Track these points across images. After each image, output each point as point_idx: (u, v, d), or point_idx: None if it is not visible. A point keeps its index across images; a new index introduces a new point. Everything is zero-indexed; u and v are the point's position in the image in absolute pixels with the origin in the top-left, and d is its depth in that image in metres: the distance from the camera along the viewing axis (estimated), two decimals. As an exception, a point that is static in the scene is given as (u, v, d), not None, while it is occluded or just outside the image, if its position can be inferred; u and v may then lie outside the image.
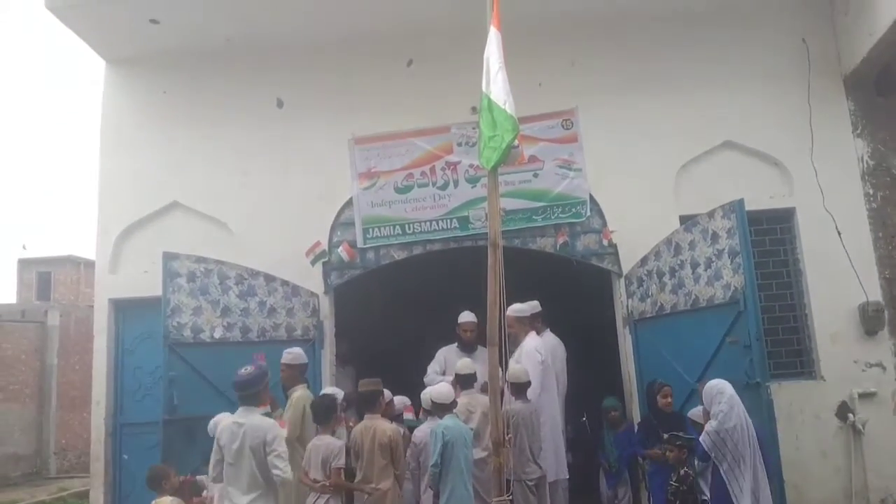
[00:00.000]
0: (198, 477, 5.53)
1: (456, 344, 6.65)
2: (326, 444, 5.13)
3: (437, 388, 5.40)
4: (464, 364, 5.84)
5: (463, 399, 5.57)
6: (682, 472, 5.16)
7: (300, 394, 5.68)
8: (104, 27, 7.11)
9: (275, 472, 4.31)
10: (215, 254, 6.72)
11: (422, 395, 5.81)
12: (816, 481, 6.39)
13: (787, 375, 6.65)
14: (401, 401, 6.00)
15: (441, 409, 5.27)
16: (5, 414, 15.68)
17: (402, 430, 5.63)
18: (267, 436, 4.33)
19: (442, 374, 6.39)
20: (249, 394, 4.51)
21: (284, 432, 4.63)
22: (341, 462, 5.09)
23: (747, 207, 5.76)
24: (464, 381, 5.71)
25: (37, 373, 16.61)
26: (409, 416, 6.03)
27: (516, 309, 6.14)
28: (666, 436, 5.27)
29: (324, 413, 5.25)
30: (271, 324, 6.69)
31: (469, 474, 5.11)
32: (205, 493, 5.48)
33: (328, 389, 6.06)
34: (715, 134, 7.06)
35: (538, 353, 5.92)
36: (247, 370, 4.61)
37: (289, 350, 6.00)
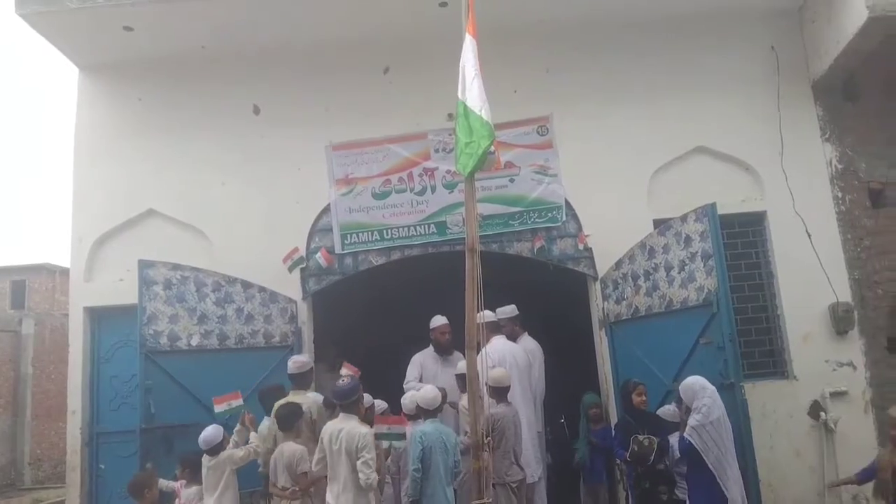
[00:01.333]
0: (166, 483, 5.50)
1: (431, 349, 6.68)
2: (290, 450, 5.18)
3: (425, 392, 5.40)
4: (464, 364, 5.85)
5: (466, 400, 5.59)
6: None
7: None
8: (76, 34, 7.04)
9: (360, 476, 4.65)
10: (192, 261, 6.70)
11: (403, 400, 5.82)
12: (790, 480, 6.48)
13: (761, 375, 6.75)
14: (379, 405, 6.01)
15: (425, 413, 5.29)
16: (-22, 425, 15.45)
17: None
18: (358, 442, 4.69)
19: (419, 380, 6.41)
20: (348, 402, 4.91)
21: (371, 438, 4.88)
22: (306, 467, 5.14)
23: (719, 211, 5.88)
24: (464, 382, 5.72)
25: (11, 382, 16.37)
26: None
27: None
28: (644, 439, 5.35)
29: (286, 420, 5.29)
30: (249, 331, 6.67)
31: (449, 479, 5.11)
32: (177, 501, 5.46)
33: (309, 394, 6.04)
34: (687, 139, 7.17)
35: (488, 357, 5.94)
36: (343, 382, 5.04)
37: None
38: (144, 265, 6.27)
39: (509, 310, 6.67)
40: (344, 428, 4.81)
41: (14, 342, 16.63)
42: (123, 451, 6.78)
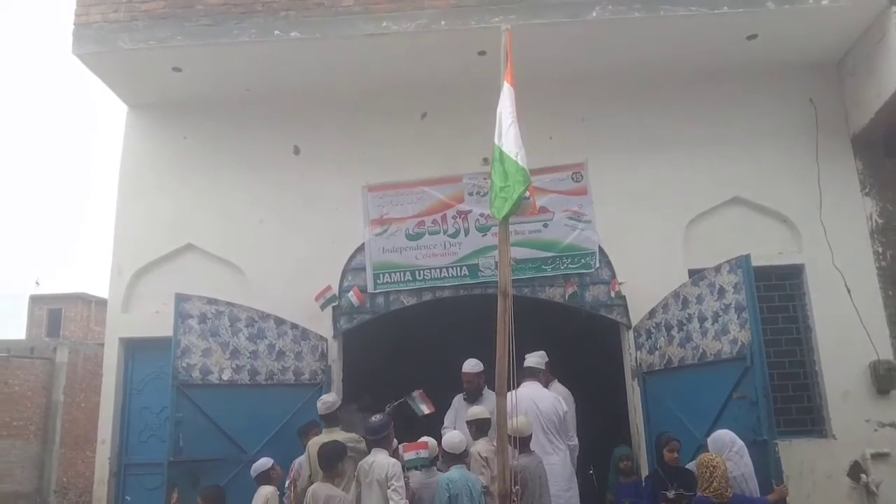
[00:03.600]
0: None
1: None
2: (327, 494, 5.09)
3: (449, 436, 5.34)
4: (478, 410, 5.77)
5: (482, 445, 5.49)
6: None
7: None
8: (128, 74, 7.30)
9: (390, 503, 4.86)
10: (227, 296, 6.78)
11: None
12: (828, 543, 6.26)
13: (798, 433, 6.57)
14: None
15: (450, 458, 5.22)
16: (8, 450, 15.60)
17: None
18: (388, 472, 4.96)
19: (453, 424, 6.35)
20: (379, 437, 5.23)
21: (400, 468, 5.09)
22: None
23: (756, 263, 5.81)
24: (479, 428, 5.66)
25: (42, 409, 16.56)
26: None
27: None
28: (671, 494, 5.23)
29: (328, 460, 5.23)
30: (279, 367, 6.70)
31: (473, 528, 5.03)
32: None
33: (342, 432, 6.01)
34: (724, 190, 7.14)
35: (508, 404, 5.90)
36: (376, 418, 5.35)
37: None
38: (181, 298, 6.36)
39: (538, 356, 6.61)
40: (375, 461, 5.10)
41: (48, 369, 16.86)
42: (150, 483, 6.80)
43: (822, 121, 7.22)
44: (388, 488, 4.89)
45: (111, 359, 7.33)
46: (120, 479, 7.08)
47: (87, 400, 16.92)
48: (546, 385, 6.43)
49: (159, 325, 6.85)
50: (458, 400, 6.60)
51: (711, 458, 5.04)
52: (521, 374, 6.14)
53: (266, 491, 5.56)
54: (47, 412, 16.63)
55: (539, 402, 6.04)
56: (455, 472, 5.12)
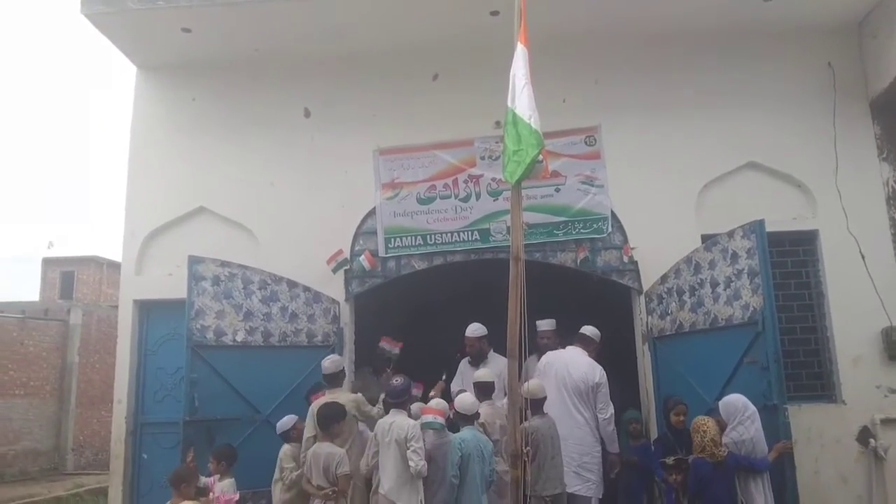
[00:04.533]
0: (203, 479, 5.59)
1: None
2: (327, 452, 5.30)
3: (462, 398, 5.44)
4: (483, 372, 5.88)
5: (484, 409, 5.60)
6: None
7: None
8: (137, 34, 7.23)
9: (410, 463, 5.06)
10: (239, 259, 6.82)
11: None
12: (835, 506, 6.31)
13: (808, 398, 6.59)
14: (418, 406, 6.04)
15: (462, 419, 5.32)
16: (26, 409, 15.95)
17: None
18: (408, 433, 5.14)
19: (459, 387, 6.42)
20: (400, 401, 5.44)
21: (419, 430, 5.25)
22: (346, 469, 5.26)
23: (770, 229, 5.77)
24: (482, 390, 5.75)
25: (58, 370, 16.87)
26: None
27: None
28: (671, 461, 5.29)
29: (326, 420, 5.39)
30: (292, 329, 6.76)
31: (483, 488, 5.12)
32: (211, 494, 5.56)
33: (347, 393, 6.11)
34: (738, 154, 7.05)
35: (534, 366, 6.13)
36: (397, 381, 5.53)
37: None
38: (194, 261, 6.39)
39: (547, 323, 6.65)
40: (394, 421, 5.27)
41: (62, 331, 17.13)
42: (166, 442, 6.93)
43: (840, 84, 7.08)
44: (408, 449, 5.07)
45: (126, 320, 7.40)
46: (136, 438, 7.21)
47: (102, 361, 17.22)
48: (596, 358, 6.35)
49: (173, 287, 6.92)
50: (464, 364, 6.68)
51: (703, 420, 5.10)
52: (574, 337, 6.33)
53: (285, 447, 5.75)
54: (62, 373, 16.95)
55: (572, 366, 6.09)
56: (467, 432, 5.23)
